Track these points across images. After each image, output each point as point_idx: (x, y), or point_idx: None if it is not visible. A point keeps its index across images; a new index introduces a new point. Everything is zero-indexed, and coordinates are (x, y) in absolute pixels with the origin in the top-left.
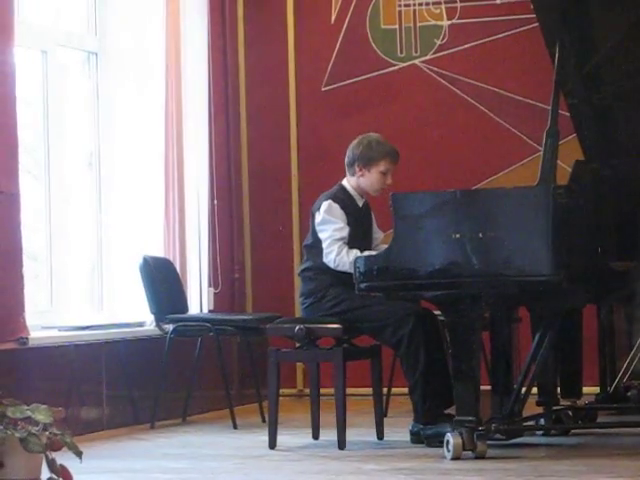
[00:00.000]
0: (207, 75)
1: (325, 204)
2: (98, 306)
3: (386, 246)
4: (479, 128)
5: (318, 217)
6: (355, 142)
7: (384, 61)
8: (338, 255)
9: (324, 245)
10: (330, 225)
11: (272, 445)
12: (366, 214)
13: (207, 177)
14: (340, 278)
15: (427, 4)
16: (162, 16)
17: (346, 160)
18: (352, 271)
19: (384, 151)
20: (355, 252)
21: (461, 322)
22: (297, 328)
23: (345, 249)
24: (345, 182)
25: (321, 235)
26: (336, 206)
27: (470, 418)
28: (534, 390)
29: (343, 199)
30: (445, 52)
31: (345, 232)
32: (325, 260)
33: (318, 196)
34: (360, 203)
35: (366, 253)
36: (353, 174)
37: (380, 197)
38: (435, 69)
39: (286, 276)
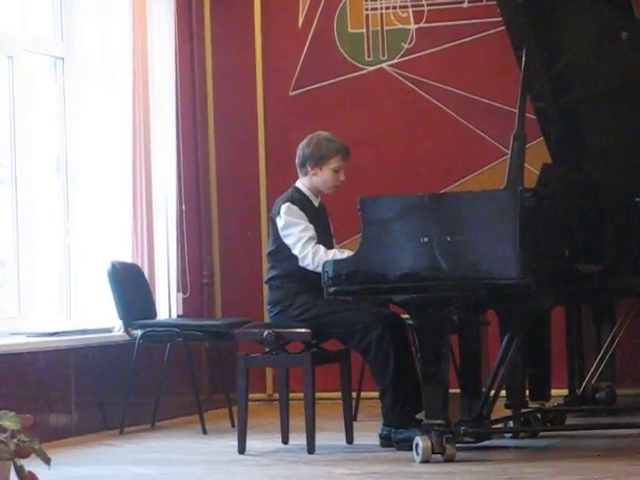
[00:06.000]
0: (174, 80)
1: (284, 207)
2: (66, 312)
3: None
4: (447, 131)
5: (280, 222)
6: (304, 142)
7: (352, 65)
8: (316, 256)
9: (296, 250)
10: (295, 228)
11: (242, 450)
12: (323, 213)
13: (175, 182)
14: (307, 285)
15: (394, 8)
16: (129, 21)
17: (297, 160)
18: None
19: (335, 148)
20: (334, 252)
21: (430, 326)
22: (266, 333)
23: (322, 249)
24: (299, 183)
25: (288, 240)
26: (295, 207)
27: (439, 421)
28: (503, 393)
29: (300, 200)
30: (412, 56)
31: (312, 230)
32: (302, 264)
33: None
34: (316, 203)
35: (345, 253)
36: (305, 174)
37: (342, 202)
38: (402, 73)
39: (255, 281)
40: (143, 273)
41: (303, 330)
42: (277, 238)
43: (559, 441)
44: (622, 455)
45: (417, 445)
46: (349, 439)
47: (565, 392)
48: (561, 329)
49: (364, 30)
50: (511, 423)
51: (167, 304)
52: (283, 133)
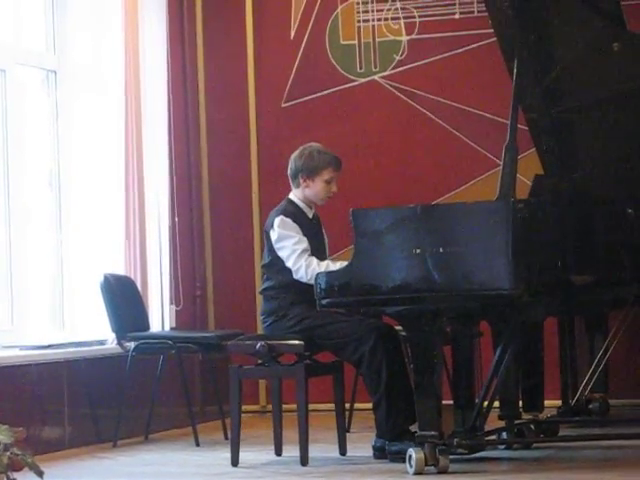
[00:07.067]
0: (166, 92)
1: (277, 220)
2: (59, 325)
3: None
4: (439, 143)
5: (274, 235)
6: (296, 153)
7: (344, 77)
8: (309, 268)
9: (289, 263)
10: (288, 240)
11: (235, 462)
12: (317, 225)
13: (167, 194)
14: (301, 296)
15: (386, 19)
16: (121, 34)
17: (289, 172)
18: None
19: (326, 160)
20: (327, 263)
21: (422, 337)
22: (259, 345)
23: (315, 261)
24: (292, 195)
25: (282, 253)
26: (288, 220)
27: (432, 433)
28: (496, 404)
29: (294, 212)
30: (404, 67)
31: (305, 243)
32: (296, 277)
33: None
34: (310, 214)
35: (338, 264)
36: (298, 186)
37: (334, 214)
38: (394, 84)
39: (248, 293)
40: (136, 285)
41: (296, 342)
42: (271, 250)
43: (553, 452)
44: (615, 466)
45: (410, 457)
46: (342, 451)
47: (558, 403)
48: (554, 340)
49: (356, 42)
50: (504, 434)
51: (160, 316)
52: (275, 145)
